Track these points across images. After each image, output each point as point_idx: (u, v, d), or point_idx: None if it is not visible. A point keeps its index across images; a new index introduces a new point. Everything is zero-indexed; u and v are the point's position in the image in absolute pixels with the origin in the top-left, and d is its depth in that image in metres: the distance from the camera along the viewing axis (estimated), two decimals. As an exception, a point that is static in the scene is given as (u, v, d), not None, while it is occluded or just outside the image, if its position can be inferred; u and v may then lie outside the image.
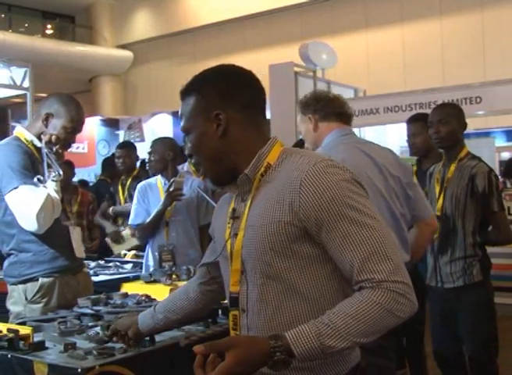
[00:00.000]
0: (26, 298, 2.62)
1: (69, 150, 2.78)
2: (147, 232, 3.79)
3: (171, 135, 11.69)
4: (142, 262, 3.89)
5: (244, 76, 1.56)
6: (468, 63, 12.92)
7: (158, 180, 3.86)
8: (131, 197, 4.56)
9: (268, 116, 7.01)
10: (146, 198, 3.81)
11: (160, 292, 2.70)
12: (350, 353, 1.48)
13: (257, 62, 8.03)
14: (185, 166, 4.91)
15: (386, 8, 14.42)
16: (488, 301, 3.14)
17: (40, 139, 2.68)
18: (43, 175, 2.59)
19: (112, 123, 15.33)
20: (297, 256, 1.42)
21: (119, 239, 4.77)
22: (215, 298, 1.88)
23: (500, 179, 5.62)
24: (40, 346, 1.96)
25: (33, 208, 2.50)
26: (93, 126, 14.49)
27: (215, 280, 1.79)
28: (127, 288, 3.04)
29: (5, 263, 2.71)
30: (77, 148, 13.12)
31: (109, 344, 1.98)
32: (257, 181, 1.50)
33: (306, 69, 7.73)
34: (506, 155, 11.33)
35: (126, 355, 1.91)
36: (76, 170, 6.60)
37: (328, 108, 2.61)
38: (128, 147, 5.41)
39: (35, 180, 2.55)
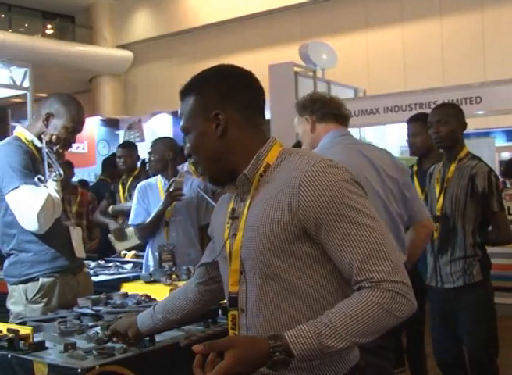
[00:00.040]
0: (26, 298, 2.62)
1: (69, 150, 2.78)
2: (147, 232, 3.79)
3: (171, 135, 11.70)
4: (142, 262, 3.89)
5: (244, 77, 1.57)
6: (468, 63, 12.92)
7: (158, 180, 3.86)
8: (131, 197, 4.56)
9: (268, 116, 7.02)
10: (146, 198, 3.81)
11: (160, 292, 2.70)
12: (349, 353, 1.48)
13: (257, 62, 8.05)
14: (185, 166, 4.91)
15: (386, 8, 14.43)
16: (488, 301, 3.14)
17: (40, 139, 2.68)
18: (43, 175, 2.60)
19: (111, 123, 15.35)
20: (296, 256, 1.42)
21: (122, 236, 4.77)
22: (214, 298, 1.88)
23: (500, 179, 5.62)
24: (40, 346, 1.96)
25: (34, 208, 2.50)
26: (93, 126, 14.51)
27: (213, 280, 1.79)
28: (127, 288, 3.04)
29: (6, 263, 2.71)
30: (77, 148, 13.14)
31: (109, 344, 1.98)
32: (256, 181, 1.50)
33: (306, 69, 7.73)
34: (506, 155, 11.35)
35: (126, 355, 1.91)
36: (76, 170, 6.61)
37: (326, 109, 2.64)
38: (129, 146, 5.42)
39: (36, 179, 2.56)
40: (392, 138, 8.53)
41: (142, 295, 2.63)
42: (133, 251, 4.50)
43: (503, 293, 5.24)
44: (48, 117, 2.68)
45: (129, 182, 5.14)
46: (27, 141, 2.69)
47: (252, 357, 1.28)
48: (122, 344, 1.95)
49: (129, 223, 3.93)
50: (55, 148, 2.66)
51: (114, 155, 6.18)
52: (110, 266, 4.00)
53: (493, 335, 3.13)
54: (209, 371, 1.28)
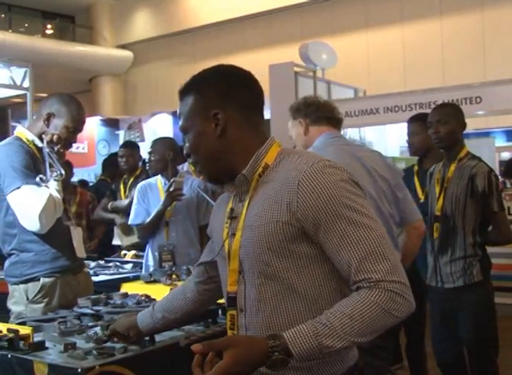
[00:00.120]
0: (27, 298, 2.62)
1: (69, 150, 2.78)
2: (147, 232, 3.79)
3: (171, 135, 11.70)
4: (142, 262, 3.90)
5: (243, 77, 1.57)
6: (468, 63, 12.92)
7: (158, 180, 3.86)
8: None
9: (268, 116, 7.01)
10: (146, 198, 3.81)
11: (160, 292, 2.70)
12: (347, 353, 1.48)
13: (257, 62, 8.06)
14: (185, 166, 4.92)
15: (386, 8, 14.42)
16: (488, 301, 3.14)
17: (41, 139, 2.69)
18: (45, 175, 2.60)
19: (112, 123, 15.35)
20: (295, 256, 1.43)
21: (128, 231, 4.78)
22: (213, 297, 1.88)
23: (500, 179, 5.62)
24: (40, 346, 1.96)
25: (36, 208, 2.50)
26: (93, 126, 14.51)
27: (212, 280, 1.80)
28: (127, 288, 3.04)
29: (6, 263, 2.71)
30: (77, 148, 13.13)
31: (109, 344, 1.97)
32: (254, 181, 1.50)
33: (306, 69, 7.73)
34: (506, 155, 11.36)
35: (126, 355, 1.91)
36: (76, 170, 6.61)
37: (319, 112, 2.71)
38: (132, 146, 5.43)
39: (37, 179, 2.56)
40: (392, 138, 8.53)
41: (142, 295, 2.63)
42: (133, 251, 4.50)
43: (503, 293, 5.24)
44: (49, 117, 2.68)
45: (131, 182, 5.14)
46: (28, 140, 2.69)
47: (251, 357, 1.28)
48: (122, 343, 1.95)
49: (129, 223, 3.93)
50: (56, 148, 2.66)
51: (114, 154, 6.19)
52: (110, 266, 4.00)
53: (493, 335, 3.13)
54: (208, 371, 1.28)
